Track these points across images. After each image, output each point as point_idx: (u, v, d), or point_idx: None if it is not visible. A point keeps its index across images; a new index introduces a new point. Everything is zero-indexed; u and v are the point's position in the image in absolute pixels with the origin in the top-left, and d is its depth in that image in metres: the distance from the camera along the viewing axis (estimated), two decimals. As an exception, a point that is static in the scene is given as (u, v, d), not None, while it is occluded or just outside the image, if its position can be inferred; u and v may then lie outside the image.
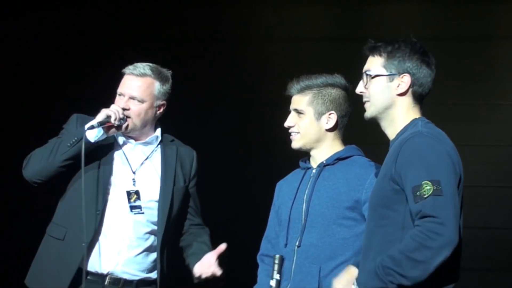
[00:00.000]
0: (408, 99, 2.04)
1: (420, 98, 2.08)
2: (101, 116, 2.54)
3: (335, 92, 2.54)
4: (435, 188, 1.83)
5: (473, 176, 5.60)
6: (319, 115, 2.51)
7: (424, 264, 1.83)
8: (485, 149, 6.44)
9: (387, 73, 2.07)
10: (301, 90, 2.57)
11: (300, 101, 2.55)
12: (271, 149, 6.57)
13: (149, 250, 2.69)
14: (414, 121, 2.04)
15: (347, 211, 2.41)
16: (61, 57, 7.38)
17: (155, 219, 2.71)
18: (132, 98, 2.64)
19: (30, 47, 7.02)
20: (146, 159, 2.69)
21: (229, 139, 6.94)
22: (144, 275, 2.70)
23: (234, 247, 7.05)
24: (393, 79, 2.06)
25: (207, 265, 2.73)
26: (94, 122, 2.53)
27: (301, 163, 2.61)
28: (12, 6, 7.06)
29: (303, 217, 2.46)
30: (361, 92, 2.14)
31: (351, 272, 2.22)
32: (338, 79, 2.60)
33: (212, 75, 7.15)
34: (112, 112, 2.56)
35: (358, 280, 1.98)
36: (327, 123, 2.52)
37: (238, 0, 7.26)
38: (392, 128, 2.06)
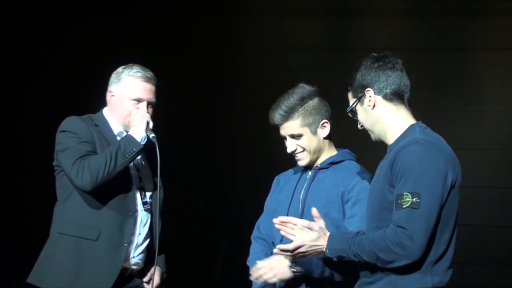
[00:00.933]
0: (385, 107, 2.07)
1: (397, 97, 2.09)
2: (144, 125, 2.49)
3: (315, 102, 2.50)
4: (413, 200, 1.87)
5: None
6: (315, 130, 2.50)
7: (384, 263, 1.92)
8: (462, 152, 6.46)
9: (356, 99, 2.13)
10: (287, 117, 2.51)
11: (292, 126, 2.50)
12: (266, 148, 6.64)
13: (149, 243, 2.70)
14: (412, 127, 2.06)
15: (336, 211, 2.44)
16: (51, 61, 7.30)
17: (151, 213, 2.68)
18: (149, 103, 2.61)
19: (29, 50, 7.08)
20: (140, 156, 2.67)
21: (228, 138, 7.02)
22: (143, 265, 2.71)
23: (231, 238, 7.13)
24: (363, 101, 2.10)
25: None
26: (143, 132, 2.47)
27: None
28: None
29: (299, 216, 2.49)
30: (361, 127, 2.18)
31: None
32: (307, 88, 2.55)
33: (210, 80, 7.22)
34: (149, 119, 2.54)
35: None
36: (323, 132, 2.52)
37: (235, 11, 7.32)
38: (388, 137, 2.09)
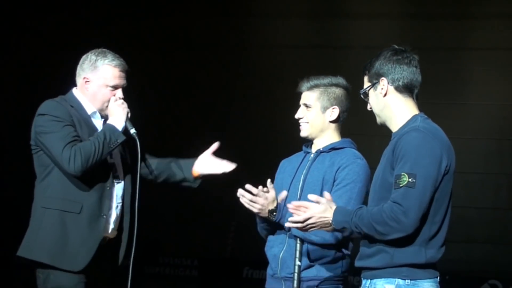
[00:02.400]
0: (395, 97, 2.06)
1: (407, 90, 2.08)
2: (124, 116, 2.43)
3: (338, 91, 2.58)
4: (410, 180, 1.89)
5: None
6: (324, 109, 2.54)
7: (380, 235, 1.93)
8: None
9: (370, 84, 2.11)
10: (310, 88, 2.59)
11: (309, 96, 2.58)
12: (273, 138, 6.76)
13: (120, 212, 2.55)
14: (414, 117, 2.05)
15: (328, 188, 2.47)
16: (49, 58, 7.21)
17: (123, 186, 2.55)
18: (122, 89, 2.49)
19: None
20: None
21: (243, 128, 7.10)
22: (116, 233, 2.55)
23: (240, 216, 7.13)
24: (376, 87, 2.09)
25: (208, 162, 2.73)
26: (124, 122, 2.41)
27: (304, 148, 2.67)
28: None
29: (299, 192, 2.53)
30: (369, 109, 2.17)
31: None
32: (341, 80, 2.63)
33: (212, 78, 7.33)
34: (128, 110, 2.46)
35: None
36: (330, 115, 2.56)
37: (236, 13, 7.32)
38: (393, 124, 2.08)
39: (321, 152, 2.54)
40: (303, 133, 2.55)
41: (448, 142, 2.01)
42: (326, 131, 2.55)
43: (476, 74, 7.08)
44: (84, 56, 2.48)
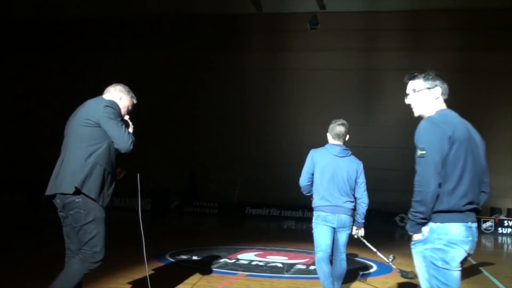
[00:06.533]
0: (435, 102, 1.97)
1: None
2: (132, 129, 2.66)
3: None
4: (420, 153, 1.87)
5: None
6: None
7: (423, 201, 1.87)
8: (374, 130, 7.29)
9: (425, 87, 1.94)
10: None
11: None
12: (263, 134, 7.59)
13: None
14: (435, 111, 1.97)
15: None
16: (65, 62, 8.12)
17: None
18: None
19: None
20: None
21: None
22: None
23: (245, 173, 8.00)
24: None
25: None
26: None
27: None
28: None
29: None
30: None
31: None
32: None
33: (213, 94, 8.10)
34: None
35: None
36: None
37: (231, 48, 8.21)
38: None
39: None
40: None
41: (454, 122, 1.94)
42: None
43: (389, 87, 7.96)
44: (120, 85, 2.68)
